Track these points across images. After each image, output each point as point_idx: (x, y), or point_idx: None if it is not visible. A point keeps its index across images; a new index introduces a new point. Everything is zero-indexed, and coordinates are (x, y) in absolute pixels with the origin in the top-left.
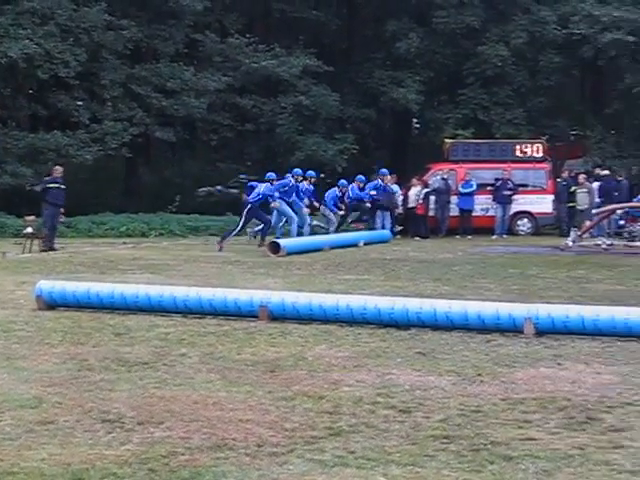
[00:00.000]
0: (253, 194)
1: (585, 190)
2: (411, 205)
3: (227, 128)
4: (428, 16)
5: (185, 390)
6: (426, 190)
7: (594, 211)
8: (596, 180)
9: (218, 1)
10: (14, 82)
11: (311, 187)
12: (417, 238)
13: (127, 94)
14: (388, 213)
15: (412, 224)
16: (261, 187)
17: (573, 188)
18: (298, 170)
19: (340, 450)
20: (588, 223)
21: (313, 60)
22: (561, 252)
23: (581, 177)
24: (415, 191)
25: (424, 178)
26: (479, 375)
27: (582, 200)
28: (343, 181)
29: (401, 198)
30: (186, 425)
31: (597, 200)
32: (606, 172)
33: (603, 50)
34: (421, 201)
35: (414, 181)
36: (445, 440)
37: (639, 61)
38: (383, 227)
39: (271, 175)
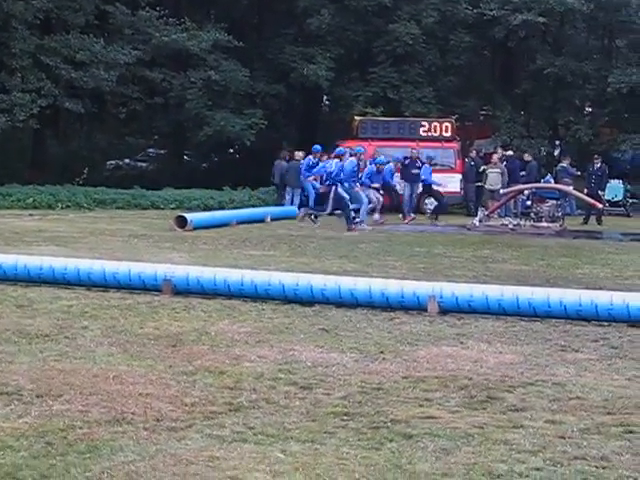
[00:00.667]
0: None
1: (497, 170)
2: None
3: (136, 101)
4: None
5: (85, 363)
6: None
7: (501, 191)
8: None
9: None
10: None
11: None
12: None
13: (36, 65)
14: (299, 190)
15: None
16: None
17: (482, 168)
18: (317, 147)
19: (239, 426)
20: (495, 203)
21: (223, 35)
22: (468, 231)
23: (495, 157)
24: None
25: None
26: (381, 353)
27: (494, 180)
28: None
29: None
30: (85, 398)
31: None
32: (510, 153)
33: (514, 31)
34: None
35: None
36: (345, 417)
37: (549, 42)
38: (292, 203)
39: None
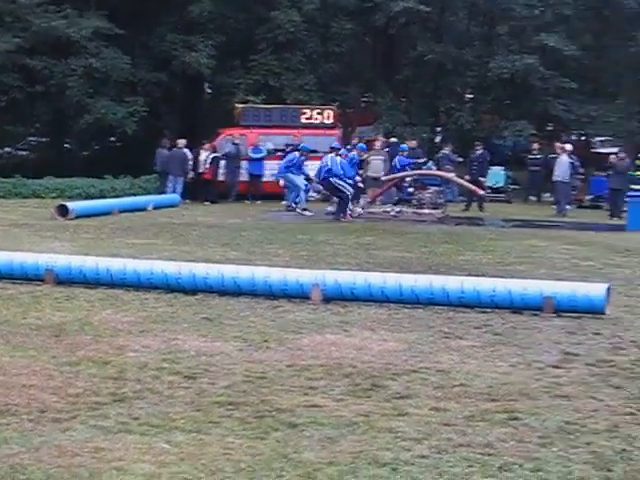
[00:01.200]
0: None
1: (381, 157)
2: (201, 170)
3: (16, 90)
4: None
5: None
6: (213, 155)
7: (383, 178)
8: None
9: None
10: None
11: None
12: (206, 203)
13: None
14: (181, 178)
15: (202, 189)
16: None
17: (365, 155)
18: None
19: (124, 416)
20: (377, 190)
21: (104, 22)
22: (350, 218)
23: (377, 144)
24: (204, 156)
25: (214, 143)
26: (265, 341)
27: (377, 167)
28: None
29: (191, 163)
30: None
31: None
32: (394, 139)
33: (394, 18)
34: (208, 166)
35: (205, 146)
36: (230, 407)
37: (430, 29)
38: (174, 191)
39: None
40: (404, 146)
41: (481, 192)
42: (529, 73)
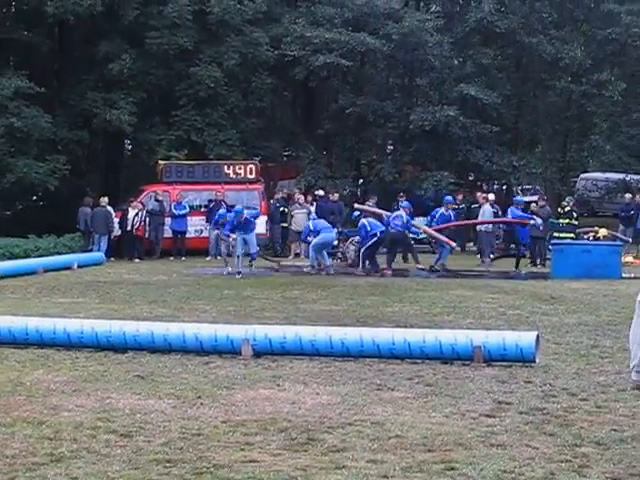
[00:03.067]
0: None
1: (304, 211)
2: (129, 227)
3: None
4: (141, 37)
5: None
6: (146, 211)
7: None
8: (313, 201)
9: None
10: None
11: None
12: (137, 260)
13: None
14: (105, 236)
15: (129, 246)
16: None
17: (289, 209)
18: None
19: (62, 476)
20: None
21: (25, 81)
22: (276, 273)
23: (300, 198)
24: (133, 213)
25: (140, 200)
26: (199, 398)
27: (301, 221)
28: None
29: (117, 220)
30: None
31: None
32: (321, 192)
33: (315, 72)
34: (142, 222)
35: (133, 203)
36: (168, 464)
37: (350, 82)
38: (99, 249)
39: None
40: (449, 198)
41: (453, 244)
42: (449, 123)
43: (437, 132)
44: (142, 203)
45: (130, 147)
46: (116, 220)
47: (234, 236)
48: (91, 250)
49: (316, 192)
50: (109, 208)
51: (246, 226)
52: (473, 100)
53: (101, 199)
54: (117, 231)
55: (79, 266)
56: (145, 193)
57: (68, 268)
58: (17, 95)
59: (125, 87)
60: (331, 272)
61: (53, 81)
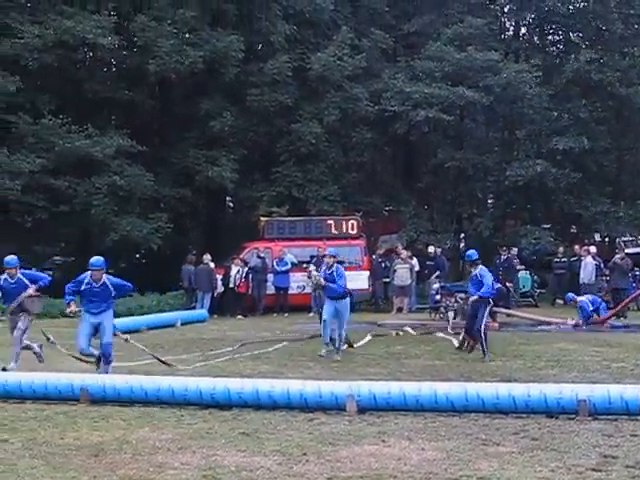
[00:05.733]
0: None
1: (407, 266)
2: (231, 284)
3: (41, 210)
4: (241, 94)
5: (8, 477)
6: (247, 268)
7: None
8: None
9: (31, 82)
10: None
11: None
12: (240, 317)
13: None
14: (209, 294)
15: (232, 303)
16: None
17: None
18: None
19: None
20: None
21: (127, 140)
22: (378, 328)
23: (403, 253)
24: (235, 270)
25: (242, 257)
26: (304, 454)
27: (404, 276)
28: None
29: (219, 277)
30: None
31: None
32: (436, 249)
33: (415, 126)
34: (243, 279)
35: (235, 260)
36: None
37: (450, 136)
38: (202, 307)
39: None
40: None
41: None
42: (544, 176)
43: (532, 186)
44: (243, 260)
45: (232, 204)
46: (219, 277)
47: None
48: (194, 307)
49: (435, 248)
50: (212, 265)
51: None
52: (571, 152)
53: (204, 256)
54: (220, 288)
55: (182, 324)
56: (247, 250)
57: (171, 326)
58: (119, 154)
59: (226, 144)
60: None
61: (154, 139)
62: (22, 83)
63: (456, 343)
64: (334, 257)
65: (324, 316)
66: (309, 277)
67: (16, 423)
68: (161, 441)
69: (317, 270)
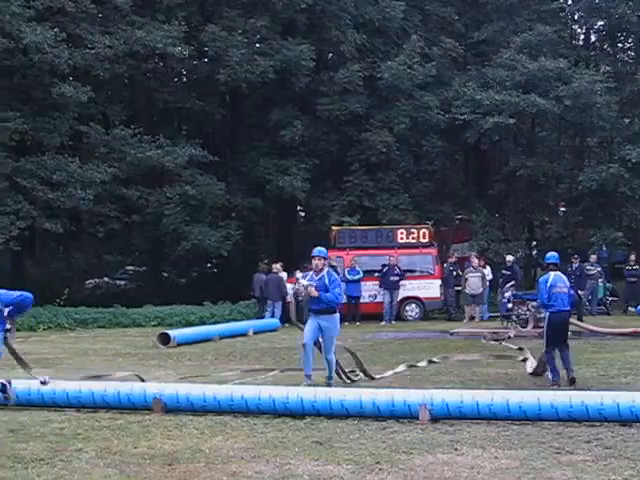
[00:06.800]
0: None
1: (478, 274)
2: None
3: (114, 220)
4: (312, 103)
5: None
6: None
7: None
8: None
9: (102, 92)
10: None
11: None
12: (303, 325)
13: (13, 187)
14: (280, 302)
15: (303, 312)
16: None
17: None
18: None
19: None
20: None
21: (198, 150)
22: (450, 336)
23: (475, 261)
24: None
25: (310, 267)
26: (377, 463)
27: (475, 284)
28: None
29: (290, 286)
30: None
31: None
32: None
33: (486, 134)
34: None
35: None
36: None
37: (521, 144)
38: (273, 315)
39: None
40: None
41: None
42: (617, 182)
43: (605, 192)
44: (308, 269)
45: (303, 213)
46: (289, 286)
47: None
48: (264, 316)
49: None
50: (282, 274)
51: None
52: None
53: (274, 265)
54: (291, 297)
55: (254, 332)
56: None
57: (244, 335)
58: (191, 163)
59: (297, 153)
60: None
61: (225, 149)
62: (94, 93)
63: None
64: (324, 259)
65: (305, 339)
66: (296, 285)
67: (90, 432)
68: (234, 450)
69: (303, 277)
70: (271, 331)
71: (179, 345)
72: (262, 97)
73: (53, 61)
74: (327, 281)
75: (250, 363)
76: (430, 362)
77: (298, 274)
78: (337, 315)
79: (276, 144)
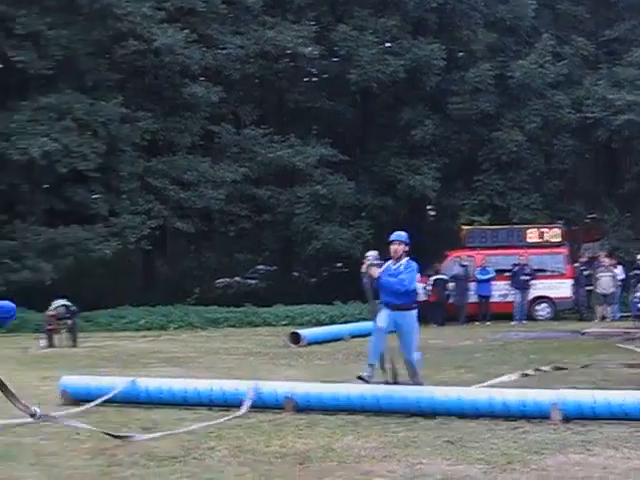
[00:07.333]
0: None
1: (609, 274)
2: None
3: (244, 219)
4: (442, 103)
5: None
6: (435, 277)
7: None
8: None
9: (233, 92)
10: (32, 177)
11: None
12: (434, 325)
13: (144, 187)
14: None
15: (434, 311)
16: None
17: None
18: None
19: None
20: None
21: (328, 149)
22: (582, 336)
23: (606, 261)
24: (432, 279)
25: (438, 265)
26: (509, 463)
27: (606, 284)
28: None
29: (421, 286)
30: None
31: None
32: None
33: (617, 132)
34: (430, 287)
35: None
36: None
37: None
38: None
39: None
40: None
41: None
42: None
43: None
44: (437, 268)
45: (433, 212)
46: (420, 286)
47: None
48: None
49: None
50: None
51: None
52: None
53: None
54: (422, 297)
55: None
56: (449, 258)
57: None
58: (321, 163)
59: (428, 153)
60: None
61: (356, 148)
62: (225, 93)
63: None
64: (405, 244)
65: (378, 322)
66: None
67: (222, 431)
68: (366, 449)
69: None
70: None
71: (309, 344)
72: (393, 96)
73: (184, 62)
74: (404, 270)
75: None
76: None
77: (371, 253)
78: (414, 312)
79: (407, 143)
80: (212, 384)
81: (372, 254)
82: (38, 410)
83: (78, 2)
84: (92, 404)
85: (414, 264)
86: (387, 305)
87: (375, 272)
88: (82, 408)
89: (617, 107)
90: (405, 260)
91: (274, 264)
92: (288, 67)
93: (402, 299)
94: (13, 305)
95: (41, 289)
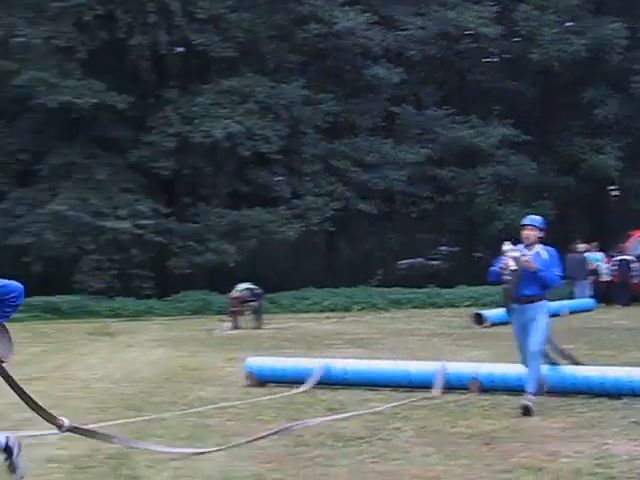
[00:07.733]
0: None
1: None
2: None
3: (426, 200)
4: (625, 82)
5: (403, 465)
6: (620, 257)
7: None
8: None
9: (414, 73)
10: (215, 160)
11: None
12: (618, 306)
13: (326, 169)
14: (583, 282)
15: (619, 292)
16: None
17: None
18: None
19: None
20: None
21: (510, 129)
22: None
23: None
24: (617, 259)
25: (622, 245)
26: None
27: None
28: None
29: (605, 266)
30: None
31: None
32: None
33: None
34: (614, 268)
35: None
36: None
37: None
38: (582, 296)
39: None
40: None
41: None
42: None
43: None
44: (621, 248)
45: (616, 192)
46: (605, 266)
47: None
48: (574, 297)
49: None
50: (585, 254)
51: None
52: None
53: (578, 245)
54: (606, 277)
55: (570, 312)
56: (632, 238)
57: (557, 315)
58: (503, 144)
59: (610, 132)
60: None
61: (537, 128)
62: (406, 75)
63: None
64: (539, 229)
65: (516, 339)
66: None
67: (408, 412)
68: (552, 430)
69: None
70: (585, 311)
71: (493, 325)
72: (574, 75)
73: (365, 44)
74: (546, 257)
75: (563, 343)
76: None
77: (506, 244)
78: (545, 302)
79: (589, 123)
80: (396, 365)
81: (511, 247)
82: (66, 421)
83: None
84: (306, 386)
85: (554, 251)
86: (521, 299)
87: (530, 263)
88: (300, 389)
89: None
90: (539, 247)
91: (456, 245)
92: (469, 48)
93: (539, 291)
94: (17, 285)
95: (225, 271)
